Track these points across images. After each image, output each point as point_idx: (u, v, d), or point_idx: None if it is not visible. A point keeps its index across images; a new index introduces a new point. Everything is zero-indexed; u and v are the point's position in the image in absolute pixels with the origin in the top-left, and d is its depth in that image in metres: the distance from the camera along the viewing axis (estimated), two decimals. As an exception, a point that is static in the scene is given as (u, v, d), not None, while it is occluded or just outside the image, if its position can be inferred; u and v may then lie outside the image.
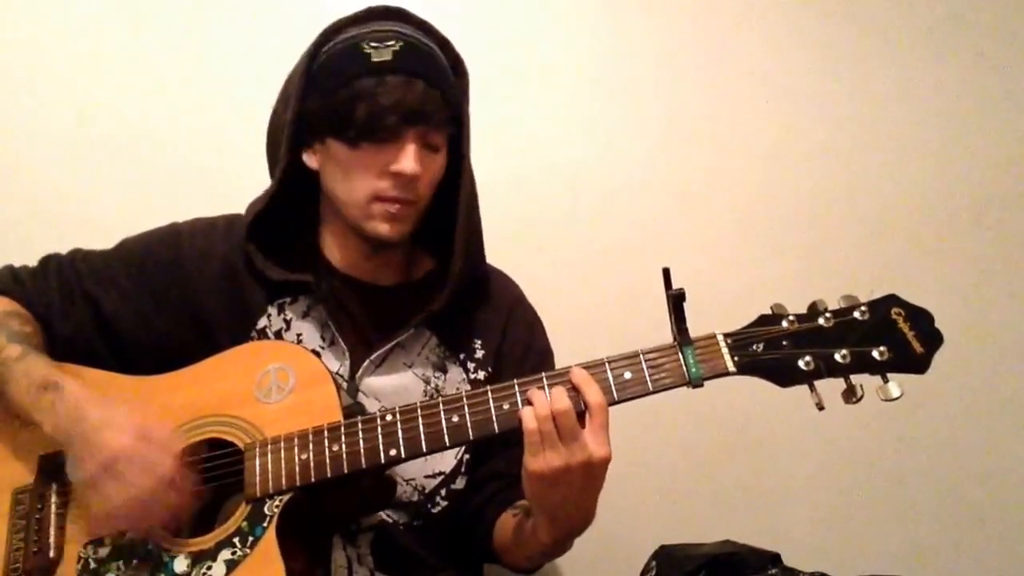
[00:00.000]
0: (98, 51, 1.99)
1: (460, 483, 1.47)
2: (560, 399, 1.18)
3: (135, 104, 1.99)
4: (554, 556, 1.41)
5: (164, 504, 1.20)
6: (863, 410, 1.73)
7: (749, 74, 2.17)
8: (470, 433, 1.23)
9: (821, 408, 1.19)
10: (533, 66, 2.12)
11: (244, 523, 1.22)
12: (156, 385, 1.36)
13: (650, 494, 2.02)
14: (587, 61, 2.15)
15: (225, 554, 1.20)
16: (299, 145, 1.43)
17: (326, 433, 1.25)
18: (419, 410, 1.25)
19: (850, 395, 1.18)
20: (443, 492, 1.45)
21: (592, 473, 1.20)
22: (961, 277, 2.13)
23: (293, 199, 1.47)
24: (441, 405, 1.24)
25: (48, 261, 1.48)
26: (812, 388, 1.19)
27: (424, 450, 1.23)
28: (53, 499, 1.28)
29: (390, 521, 1.41)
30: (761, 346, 1.20)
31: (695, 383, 1.21)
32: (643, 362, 1.22)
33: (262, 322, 1.44)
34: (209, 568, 1.20)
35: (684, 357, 1.21)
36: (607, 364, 1.22)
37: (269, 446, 1.26)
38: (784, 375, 1.19)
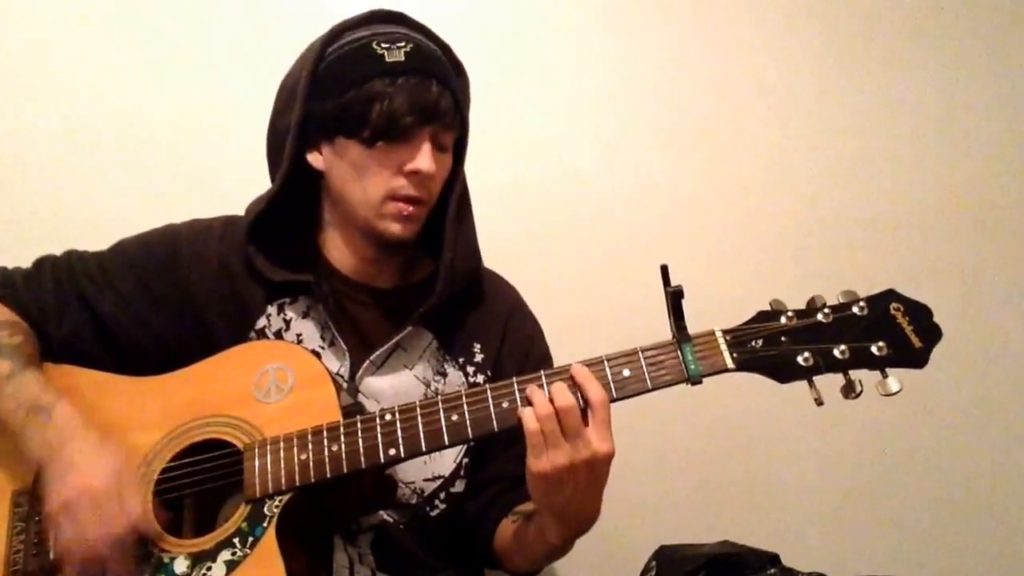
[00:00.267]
0: (95, 51, 1.98)
1: (459, 486, 1.46)
2: (563, 396, 1.17)
3: (132, 105, 1.97)
4: (557, 557, 1.40)
5: (112, 554, 1.17)
6: (862, 411, 1.73)
7: (749, 77, 2.17)
8: (469, 432, 1.22)
9: (820, 403, 1.18)
10: (533, 69, 2.12)
11: (244, 523, 1.21)
12: (154, 386, 1.35)
13: (650, 495, 2.02)
14: (588, 64, 2.15)
15: (225, 555, 1.19)
16: (303, 146, 1.42)
17: (325, 433, 1.24)
18: (418, 409, 1.24)
19: (849, 390, 1.17)
20: (442, 495, 1.44)
21: (597, 470, 1.19)
22: (960, 276, 2.13)
23: (293, 200, 1.45)
24: (440, 404, 1.23)
25: (43, 263, 1.46)
26: (811, 384, 1.19)
27: (423, 449, 1.22)
28: (52, 501, 1.27)
29: (390, 521, 1.40)
30: (760, 342, 1.20)
31: (694, 380, 1.20)
32: (642, 359, 1.21)
33: (261, 322, 1.43)
34: (209, 569, 1.18)
35: (683, 354, 1.20)
36: (606, 362, 1.22)
37: (268, 446, 1.25)
38: (783, 371, 1.19)
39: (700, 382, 1.20)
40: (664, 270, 1.21)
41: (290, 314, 1.44)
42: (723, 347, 1.20)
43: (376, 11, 1.44)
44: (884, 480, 2.07)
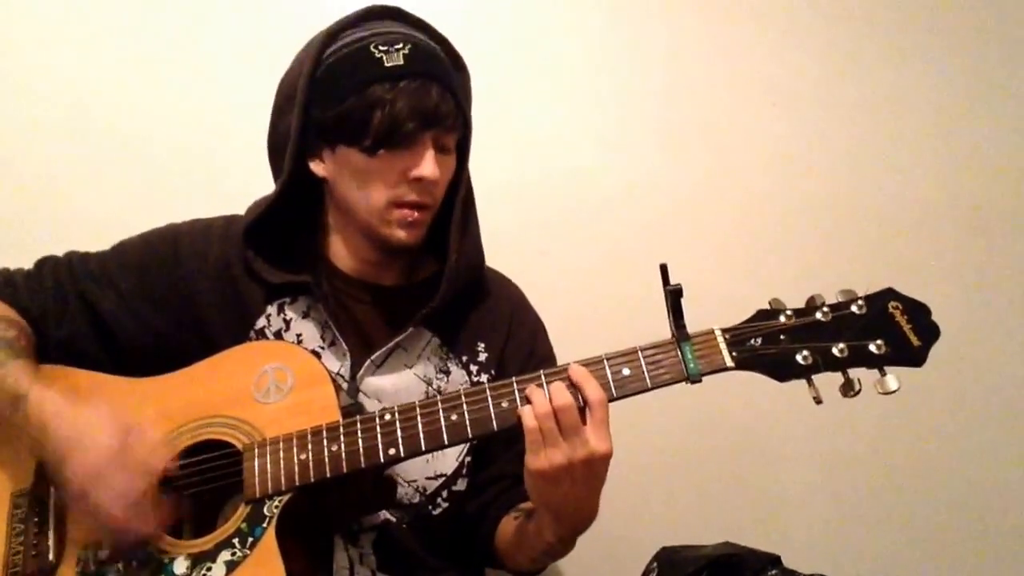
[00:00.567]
0: (96, 51, 1.97)
1: (461, 485, 1.44)
2: (561, 395, 1.16)
3: (133, 103, 1.97)
4: (558, 556, 1.38)
5: (133, 532, 1.17)
6: (862, 412, 1.72)
7: (751, 76, 2.16)
8: (469, 431, 1.21)
9: (819, 402, 1.17)
10: (535, 68, 2.11)
11: (243, 524, 1.20)
12: (153, 387, 1.33)
13: (651, 496, 2.01)
14: (589, 63, 2.14)
15: (225, 555, 1.18)
16: (304, 153, 1.40)
17: (325, 433, 1.23)
18: (418, 409, 1.23)
19: (848, 389, 1.16)
20: (444, 494, 1.42)
21: (594, 469, 1.18)
22: (960, 275, 2.11)
23: (295, 203, 1.44)
24: (440, 404, 1.22)
25: (44, 263, 1.45)
26: (810, 382, 1.17)
27: (423, 449, 1.21)
28: (51, 502, 1.26)
29: (392, 521, 1.38)
30: (759, 341, 1.18)
31: (693, 379, 1.19)
32: (641, 359, 1.20)
33: (260, 322, 1.42)
34: (209, 569, 1.17)
35: (682, 353, 1.19)
36: (606, 361, 1.20)
37: (268, 447, 1.24)
38: (782, 370, 1.18)
39: (699, 381, 1.19)
40: (663, 269, 1.20)
41: (290, 314, 1.43)
42: (722, 346, 1.19)
43: (372, 7, 1.41)
44: (884, 480, 2.05)
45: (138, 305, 1.42)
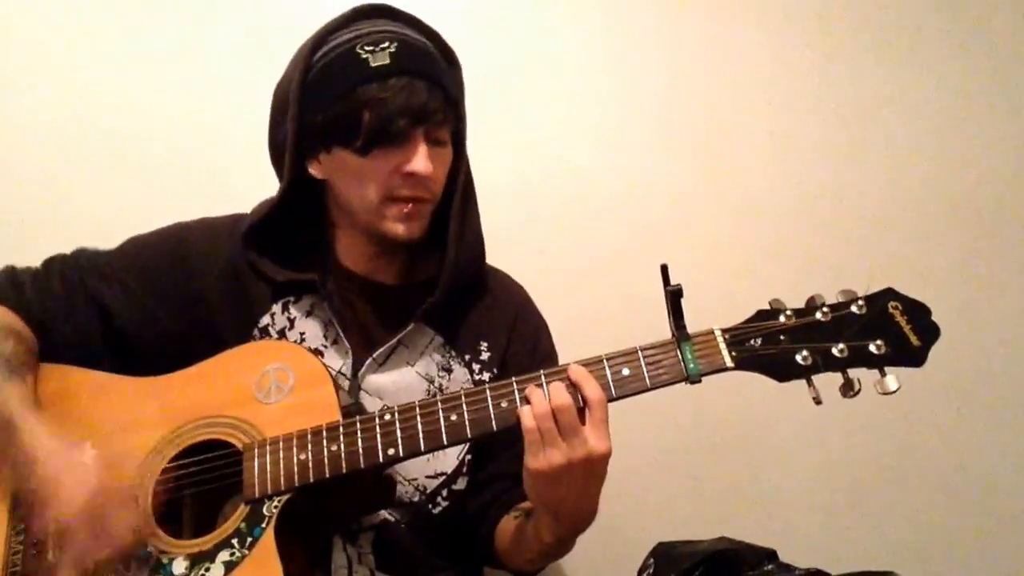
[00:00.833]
0: (99, 50, 1.96)
1: (461, 483, 1.43)
2: (560, 395, 1.15)
3: (136, 104, 1.95)
4: (556, 557, 1.38)
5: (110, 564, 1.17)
6: (859, 409, 1.71)
7: (750, 76, 2.14)
8: (468, 431, 1.20)
9: (818, 402, 1.16)
10: (533, 67, 2.09)
11: (242, 524, 1.19)
12: (156, 386, 1.33)
13: (648, 493, 1.99)
14: (588, 62, 2.12)
15: (223, 555, 1.17)
16: (302, 157, 1.39)
17: (324, 433, 1.22)
18: (417, 409, 1.21)
19: (848, 389, 1.15)
20: (444, 492, 1.41)
21: (593, 469, 1.17)
22: (960, 275, 2.10)
23: (300, 202, 1.43)
24: (439, 404, 1.21)
25: (52, 262, 1.45)
26: (810, 382, 1.16)
27: (422, 449, 1.20)
28: (51, 502, 1.25)
29: (391, 520, 1.37)
30: (759, 341, 1.17)
31: (693, 379, 1.17)
32: (641, 358, 1.19)
33: (264, 320, 1.41)
34: (207, 569, 1.16)
35: (682, 353, 1.18)
36: (605, 361, 1.19)
37: (268, 447, 1.23)
38: (782, 370, 1.16)
39: (699, 381, 1.18)
40: (664, 269, 1.18)
41: (294, 313, 1.42)
42: (722, 346, 1.18)
43: (360, 7, 1.40)
44: (881, 478, 2.04)
45: (146, 303, 1.41)
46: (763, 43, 2.16)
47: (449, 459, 1.41)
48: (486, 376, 1.46)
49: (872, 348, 1.16)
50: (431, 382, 1.42)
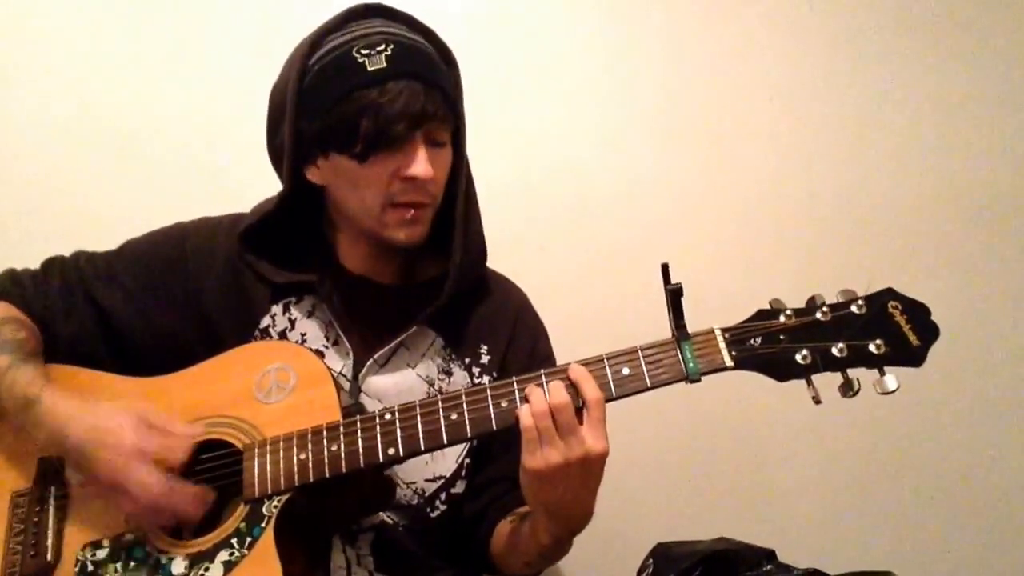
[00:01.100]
0: (99, 50, 1.95)
1: (460, 487, 1.42)
2: (558, 394, 1.14)
3: (136, 103, 1.94)
4: (553, 560, 1.36)
5: (177, 503, 1.18)
6: (857, 409, 1.70)
7: (751, 74, 2.14)
8: (468, 431, 1.19)
9: (818, 402, 1.14)
10: (535, 65, 2.08)
11: (242, 524, 1.18)
12: (156, 387, 1.31)
13: (647, 493, 1.99)
14: (589, 60, 2.11)
15: (223, 555, 1.16)
16: (300, 162, 1.37)
17: (325, 433, 1.21)
18: (418, 408, 1.20)
19: (847, 389, 1.14)
20: (443, 496, 1.40)
21: (590, 468, 1.16)
22: (959, 275, 2.09)
23: (300, 204, 1.42)
24: (440, 403, 1.20)
25: (51, 264, 1.44)
26: (809, 382, 1.15)
27: (422, 448, 1.19)
28: (51, 502, 1.24)
29: (390, 523, 1.36)
30: (758, 340, 1.16)
31: (693, 378, 1.16)
32: (641, 358, 1.17)
33: (265, 321, 1.40)
34: (207, 569, 1.15)
35: (682, 352, 1.17)
36: (606, 360, 1.18)
37: (268, 446, 1.21)
38: (781, 369, 1.15)
39: (699, 380, 1.17)
40: (664, 268, 1.17)
41: (295, 313, 1.41)
42: (722, 345, 1.16)
43: (354, 8, 1.37)
44: (880, 477, 2.04)
45: (145, 304, 1.40)
46: (764, 42, 2.15)
47: (448, 462, 1.40)
48: (485, 379, 1.44)
49: (871, 348, 1.15)
50: (431, 385, 1.41)
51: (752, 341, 1.17)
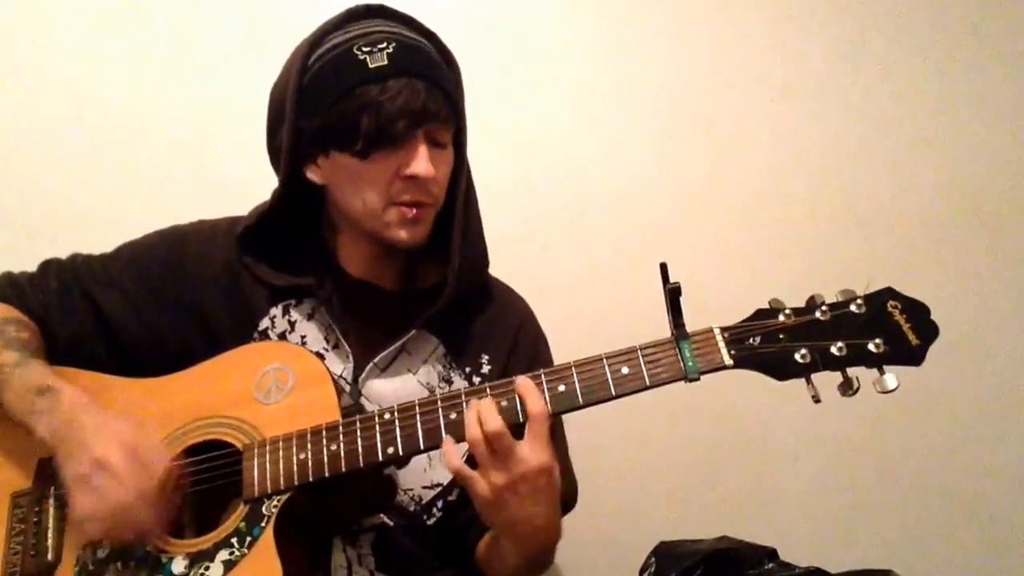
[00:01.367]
0: (97, 52, 1.94)
1: (456, 495, 1.40)
2: (491, 420, 1.13)
3: (134, 104, 1.94)
4: (535, 572, 1.35)
5: (137, 519, 1.15)
6: (858, 409, 1.70)
7: (751, 74, 2.13)
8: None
9: (817, 401, 1.13)
10: (536, 65, 2.08)
11: (242, 524, 1.17)
12: (156, 387, 1.31)
13: (649, 492, 1.98)
14: (590, 60, 2.11)
15: (223, 555, 1.15)
16: (299, 161, 1.35)
17: (324, 432, 1.20)
18: (417, 408, 1.20)
19: (847, 388, 1.13)
20: (439, 504, 1.39)
21: (535, 484, 1.15)
22: (959, 274, 2.09)
23: (298, 206, 1.40)
24: (439, 403, 1.19)
25: (48, 266, 1.43)
26: (808, 381, 1.14)
27: (422, 447, 1.18)
28: (51, 503, 1.24)
29: (390, 525, 1.35)
30: (758, 339, 1.15)
31: (691, 377, 1.15)
32: (640, 357, 1.17)
33: (264, 323, 1.39)
34: (207, 569, 1.15)
35: (681, 351, 1.16)
36: (604, 360, 1.17)
37: (268, 446, 1.21)
38: (780, 368, 1.14)
39: (698, 379, 1.16)
40: (663, 268, 1.16)
41: (295, 316, 1.40)
42: (721, 344, 1.15)
43: (355, 8, 1.35)
44: (881, 476, 2.03)
45: (143, 306, 1.39)
46: (765, 42, 2.14)
47: (445, 470, 1.38)
48: None
49: (871, 347, 1.13)
50: (431, 392, 1.39)
51: (751, 340, 1.16)
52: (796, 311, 1.17)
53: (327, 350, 1.38)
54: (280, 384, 1.26)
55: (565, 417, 1.44)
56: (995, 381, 2.06)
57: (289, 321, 1.39)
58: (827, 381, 1.15)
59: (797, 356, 1.14)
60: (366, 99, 1.25)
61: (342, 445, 1.19)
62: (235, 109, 1.92)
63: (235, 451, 1.23)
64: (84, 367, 1.34)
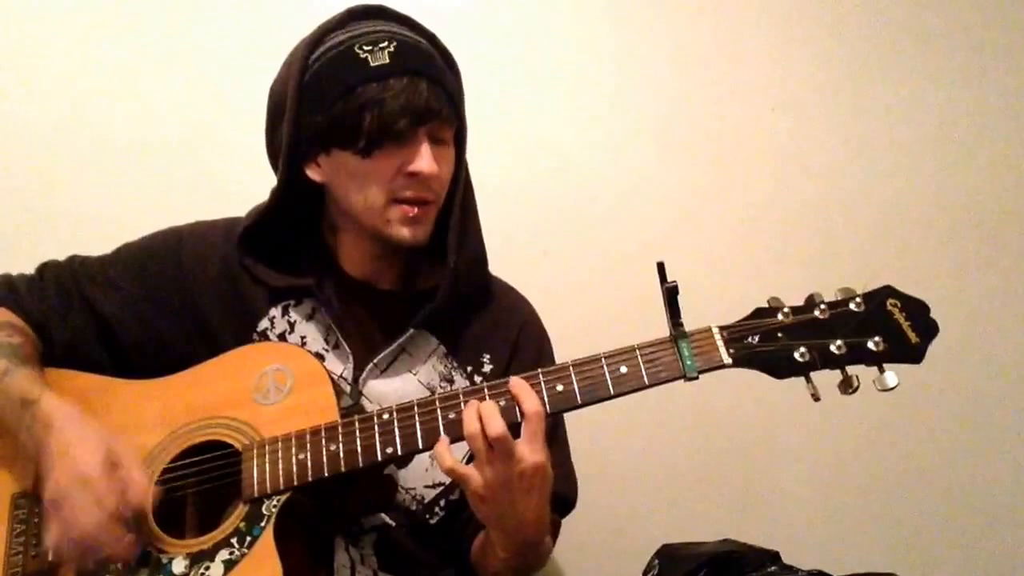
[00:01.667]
0: (96, 53, 1.95)
1: (458, 494, 1.39)
2: (491, 416, 1.13)
3: (134, 105, 1.94)
4: (523, 571, 1.34)
5: (101, 548, 1.13)
6: (861, 411, 1.69)
7: (752, 78, 2.13)
8: (468, 430, 1.17)
9: (817, 399, 1.13)
10: (538, 70, 2.08)
11: (242, 524, 1.17)
12: (155, 388, 1.31)
13: (652, 495, 1.97)
14: (593, 67, 2.11)
15: (223, 554, 1.15)
16: (299, 160, 1.35)
17: (323, 433, 1.20)
18: (416, 408, 1.19)
19: (846, 386, 1.12)
20: (441, 503, 1.38)
21: (529, 482, 1.14)
22: (958, 273, 2.08)
23: (297, 206, 1.40)
24: (438, 403, 1.19)
25: (46, 268, 1.42)
26: (808, 379, 1.14)
27: (420, 447, 1.18)
28: (52, 503, 1.24)
29: (392, 525, 1.34)
30: (756, 338, 1.15)
31: (690, 376, 1.15)
32: (639, 356, 1.16)
33: (263, 324, 1.38)
34: (207, 568, 1.14)
35: (679, 350, 1.15)
36: (603, 359, 1.17)
37: (267, 447, 1.21)
38: (780, 367, 1.14)
39: (696, 378, 1.15)
40: (660, 267, 1.15)
41: (295, 316, 1.39)
42: (719, 343, 1.15)
43: (354, 8, 1.36)
44: (883, 477, 2.01)
45: (141, 307, 1.38)
46: (766, 47, 2.15)
47: None
48: None
49: (870, 345, 1.13)
50: (432, 391, 1.39)
51: (750, 339, 1.15)
52: (795, 310, 1.16)
53: (327, 350, 1.38)
54: (279, 385, 1.26)
55: (568, 419, 1.44)
56: (996, 379, 2.05)
57: (288, 322, 1.39)
58: (827, 380, 1.14)
59: (796, 355, 1.14)
60: (368, 97, 1.25)
61: (341, 445, 1.19)
62: (235, 109, 1.92)
63: (235, 451, 1.23)
64: (83, 369, 1.34)
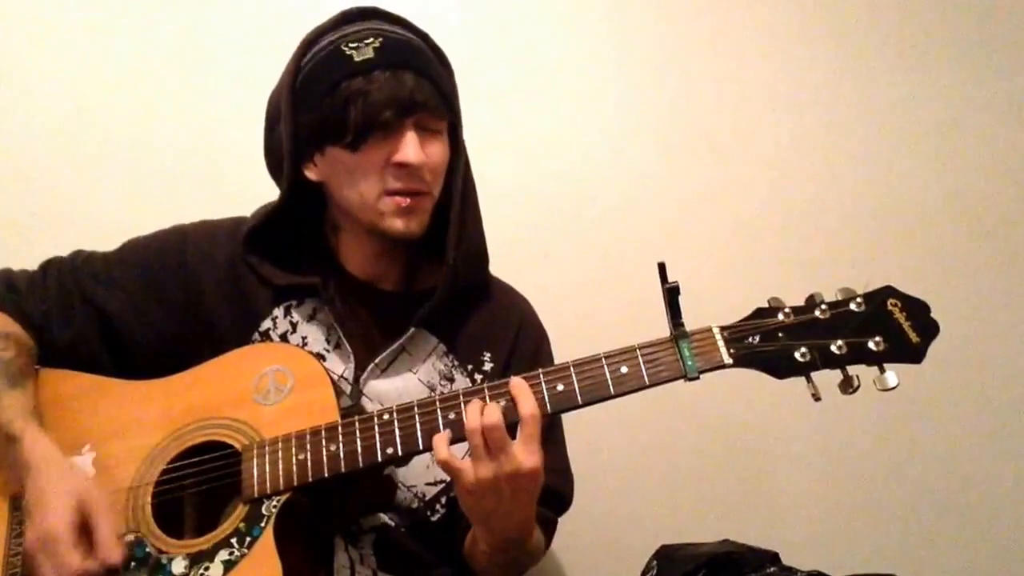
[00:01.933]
0: (98, 52, 1.95)
1: None
2: (491, 414, 1.13)
3: (136, 105, 1.94)
4: (511, 569, 1.35)
5: None
6: (861, 411, 1.69)
7: (752, 79, 2.13)
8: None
9: (817, 399, 1.13)
10: (539, 72, 2.08)
11: (242, 524, 1.17)
12: (155, 389, 1.30)
13: (651, 495, 1.96)
14: (593, 67, 2.11)
15: (223, 555, 1.15)
16: (299, 161, 1.36)
17: (323, 433, 1.20)
18: (416, 408, 1.19)
19: (847, 386, 1.12)
20: (443, 500, 1.38)
21: (520, 483, 1.15)
22: (958, 273, 2.07)
23: (301, 207, 1.40)
24: (438, 403, 1.19)
25: (49, 265, 1.42)
26: (808, 379, 1.13)
27: (420, 447, 1.18)
28: (52, 503, 1.23)
29: (392, 525, 1.34)
30: (757, 338, 1.15)
31: (691, 376, 1.15)
32: (639, 356, 1.16)
33: (266, 324, 1.38)
34: (207, 569, 1.14)
35: (680, 350, 1.15)
36: (603, 359, 1.17)
37: (267, 447, 1.20)
38: (780, 367, 1.14)
39: (697, 378, 1.15)
40: (661, 267, 1.16)
41: (296, 317, 1.39)
42: (720, 343, 1.15)
43: (348, 11, 1.37)
44: (884, 479, 2.01)
45: (144, 306, 1.38)
46: (766, 47, 2.14)
47: None
48: None
49: (871, 345, 1.13)
50: (433, 390, 1.39)
51: (751, 339, 1.15)
52: (795, 310, 1.16)
53: (328, 351, 1.38)
54: (279, 385, 1.26)
55: (567, 419, 1.43)
56: (997, 379, 2.04)
57: (291, 322, 1.39)
58: (827, 380, 1.14)
59: (797, 354, 1.14)
60: (353, 90, 1.27)
61: (341, 446, 1.19)
62: (239, 110, 1.91)
63: (234, 452, 1.22)
64: (85, 368, 1.34)
